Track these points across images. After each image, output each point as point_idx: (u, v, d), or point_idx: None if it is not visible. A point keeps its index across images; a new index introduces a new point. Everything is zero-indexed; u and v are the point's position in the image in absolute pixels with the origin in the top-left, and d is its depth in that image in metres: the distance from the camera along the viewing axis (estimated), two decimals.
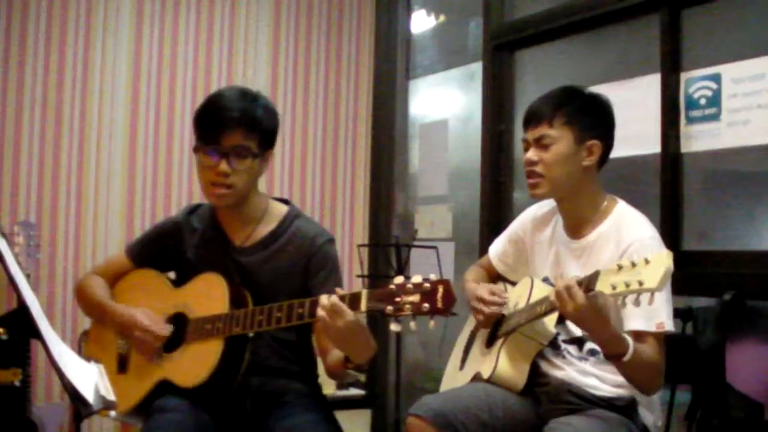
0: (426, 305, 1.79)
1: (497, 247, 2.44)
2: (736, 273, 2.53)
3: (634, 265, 1.68)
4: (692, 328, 2.46)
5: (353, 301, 1.87)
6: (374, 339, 1.99)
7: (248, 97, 2.18)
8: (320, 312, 1.86)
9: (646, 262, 1.66)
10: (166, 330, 2.13)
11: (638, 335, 1.92)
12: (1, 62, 3.47)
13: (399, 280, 1.84)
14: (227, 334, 2.05)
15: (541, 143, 2.10)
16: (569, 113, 2.10)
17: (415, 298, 1.80)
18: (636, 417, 2.04)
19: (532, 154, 2.12)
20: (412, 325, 1.84)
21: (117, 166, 3.70)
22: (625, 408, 2.03)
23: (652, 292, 1.65)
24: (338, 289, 1.92)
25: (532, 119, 2.14)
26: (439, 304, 1.79)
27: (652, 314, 1.89)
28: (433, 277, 1.83)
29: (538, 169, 2.10)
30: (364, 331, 1.91)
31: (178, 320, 2.16)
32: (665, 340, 1.97)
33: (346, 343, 1.93)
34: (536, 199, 2.21)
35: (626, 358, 1.83)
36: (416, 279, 1.83)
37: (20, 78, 3.50)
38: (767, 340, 2.44)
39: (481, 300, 2.20)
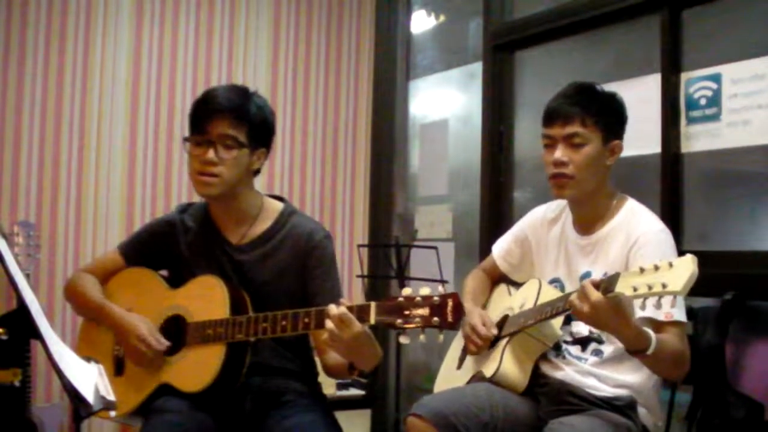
0: (436, 319, 1.78)
1: (502, 246, 2.43)
2: (736, 273, 2.53)
3: (657, 268, 1.67)
4: (692, 328, 2.46)
5: (362, 312, 1.85)
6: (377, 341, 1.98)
7: (240, 91, 2.18)
8: (329, 323, 1.84)
9: (670, 265, 1.65)
10: (162, 345, 2.10)
11: (656, 327, 1.90)
12: (1, 62, 3.47)
13: (407, 291, 1.83)
14: (229, 340, 2.03)
15: (572, 142, 2.08)
16: (598, 113, 2.09)
17: (424, 311, 1.79)
18: (636, 417, 2.03)
19: (561, 154, 2.08)
20: (422, 338, 1.83)
21: (117, 165, 3.69)
22: (625, 408, 2.03)
23: (676, 295, 1.65)
24: (344, 300, 1.90)
25: (559, 116, 2.10)
26: (449, 318, 1.78)
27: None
28: (441, 289, 1.82)
29: (569, 170, 2.08)
30: (372, 341, 1.90)
31: (176, 323, 2.14)
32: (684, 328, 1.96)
33: (353, 353, 1.92)
34: (560, 198, 2.19)
35: (649, 351, 1.82)
36: (424, 291, 1.81)
37: (20, 78, 3.50)
38: (767, 340, 2.44)
39: (474, 329, 2.19)
